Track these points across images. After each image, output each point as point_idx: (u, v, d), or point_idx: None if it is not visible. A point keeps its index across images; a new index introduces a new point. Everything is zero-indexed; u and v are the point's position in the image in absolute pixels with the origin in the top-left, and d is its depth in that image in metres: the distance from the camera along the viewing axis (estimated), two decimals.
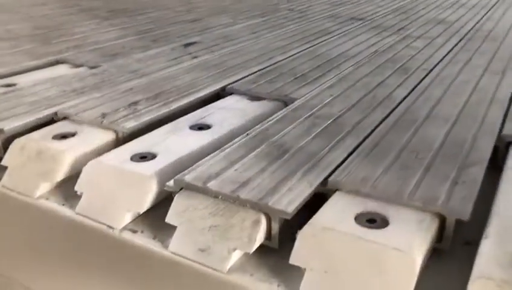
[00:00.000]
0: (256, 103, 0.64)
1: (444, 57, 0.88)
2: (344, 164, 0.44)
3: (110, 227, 0.43)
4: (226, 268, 0.37)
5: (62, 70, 0.79)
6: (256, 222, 0.38)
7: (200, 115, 0.59)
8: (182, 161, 0.47)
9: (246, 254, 0.39)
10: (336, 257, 0.35)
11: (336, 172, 0.43)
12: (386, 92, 0.67)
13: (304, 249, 0.35)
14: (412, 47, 0.95)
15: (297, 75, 0.74)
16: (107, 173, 0.45)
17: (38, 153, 0.49)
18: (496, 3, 1.56)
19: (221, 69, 0.77)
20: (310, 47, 0.94)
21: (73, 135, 0.52)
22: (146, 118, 0.57)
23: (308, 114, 0.58)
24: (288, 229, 0.39)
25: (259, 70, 0.77)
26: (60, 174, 0.48)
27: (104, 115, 0.56)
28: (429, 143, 0.49)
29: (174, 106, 0.61)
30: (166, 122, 0.57)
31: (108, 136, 0.53)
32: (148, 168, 0.45)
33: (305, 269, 0.35)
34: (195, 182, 0.41)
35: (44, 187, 0.48)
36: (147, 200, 0.43)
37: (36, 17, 1.21)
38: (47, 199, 0.47)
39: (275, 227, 0.38)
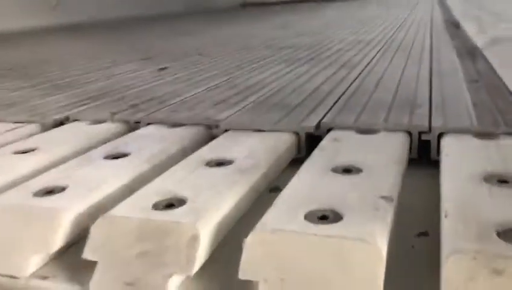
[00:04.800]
0: (177, 129, 0.59)
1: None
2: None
3: (13, 277, 0.35)
4: None
5: None
6: (194, 239, 0.32)
7: (113, 145, 0.53)
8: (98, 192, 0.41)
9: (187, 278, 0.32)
10: (292, 260, 0.30)
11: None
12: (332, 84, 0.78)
13: (253, 259, 0.30)
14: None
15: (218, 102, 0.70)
16: (2, 213, 0.37)
17: None
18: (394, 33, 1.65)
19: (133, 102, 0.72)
20: (225, 80, 0.91)
21: None
22: None
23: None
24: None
25: (174, 103, 0.72)
26: None
27: None
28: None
29: None
30: None
31: None
32: (56, 201, 0.38)
33: (257, 283, 0.30)
34: None
35: None
36: (56, 239, 0.35)
37: None
38: None
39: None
